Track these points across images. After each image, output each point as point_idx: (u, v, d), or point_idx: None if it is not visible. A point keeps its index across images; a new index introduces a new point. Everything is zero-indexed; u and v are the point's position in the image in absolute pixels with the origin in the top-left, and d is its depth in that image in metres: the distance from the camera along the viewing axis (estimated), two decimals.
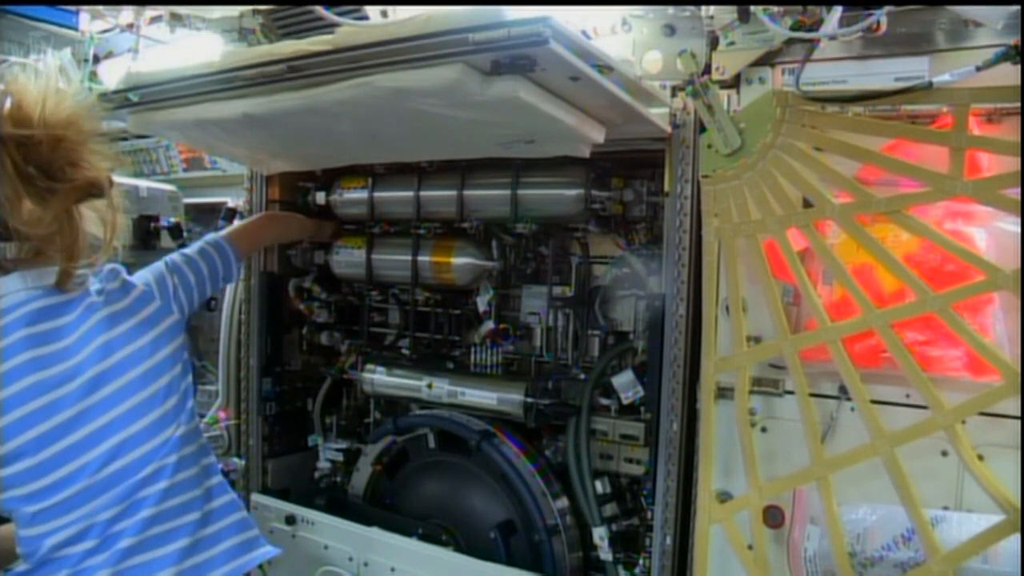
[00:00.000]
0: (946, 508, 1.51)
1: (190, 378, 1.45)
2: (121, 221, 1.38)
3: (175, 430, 1.36)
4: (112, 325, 1.33)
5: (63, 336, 1.29)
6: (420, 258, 2.39)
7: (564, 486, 2.22)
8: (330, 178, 2.57)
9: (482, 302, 2.37)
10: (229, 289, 2.72)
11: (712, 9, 1.70)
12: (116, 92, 1.88)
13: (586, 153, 1.78)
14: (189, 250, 1.68)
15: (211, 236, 1.77)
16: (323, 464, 2.67)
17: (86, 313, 1.31)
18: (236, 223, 1.98)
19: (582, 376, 2.26)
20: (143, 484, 1.31)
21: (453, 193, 2.30)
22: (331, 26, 1.78)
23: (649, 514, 1.93)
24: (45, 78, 1.29)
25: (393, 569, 2.18)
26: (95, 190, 1.29)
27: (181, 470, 1.36)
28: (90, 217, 1.33)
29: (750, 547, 1.66)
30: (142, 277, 1.48)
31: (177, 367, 1.40)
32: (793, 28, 1.55)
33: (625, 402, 2.14)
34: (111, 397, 1.30)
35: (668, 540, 1.85)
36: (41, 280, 1.29)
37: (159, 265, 1.55)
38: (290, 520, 2.39)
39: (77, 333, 1.30)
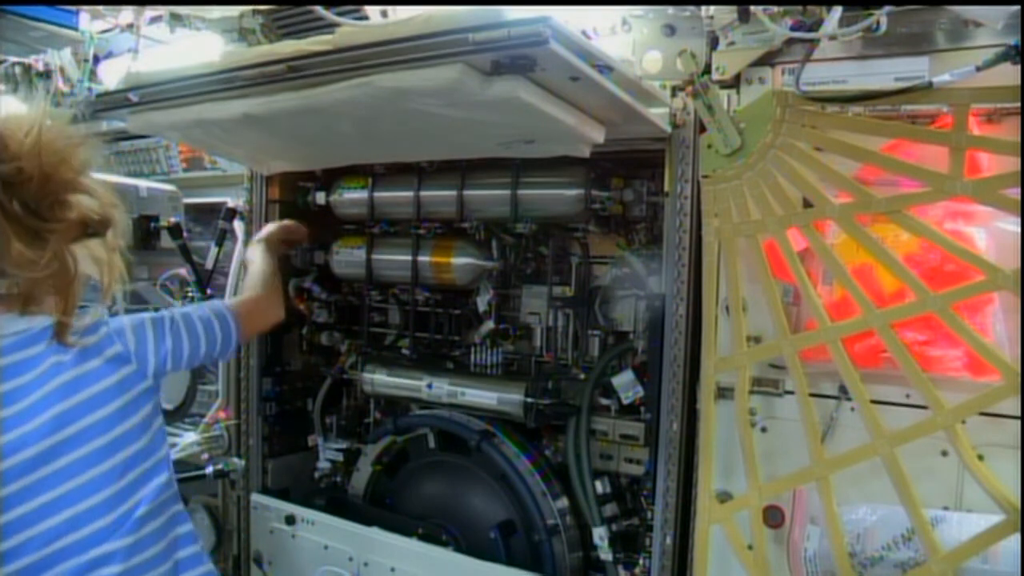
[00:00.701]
0: (946, 508, 1.51)
1: (165, 449, 1.36)
2: (119, 264, 1.31)
3: (132, 506, 1.27)
4: (75, 391, 1.23)
5: (17, 400, 1.20)
6: (420, 258, 2.39)
7: (564, 486, 2.23)
8: (330, 178, 2.57)
9: (482, 302, 2.37)
10: (229, 289, 2.71)
11: (712, 9, 1.70)
12: (116, 92, 1.88)
13: (586, 153, 1.78)
14: (193, 311, 1.54)
15: (219, 305, 1.61)
16: (323, 464, 2.67)
17: (48, 375, 1.22)
18: (244, 297, 1.79)
19: (582, 376, 2.26)
20: (92, 566, 1.22)
21: (453, 193, 2.30)
22: (331, 26, 1.78)
23: (649, 514, 1.93)
24: (36, 111, 1.22)
25: (393, 569, 2.18)
26: (90, 230, 1.23)
27: (138, 552, 1.27)
28: (86, 259, 1.25)
29: (750, 547, 1.66)
30: (123, 332, 1.35)
31: (143, 439, 1.31)
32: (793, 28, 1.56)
33: (625, 402, 2.14)
34: (64, 470, 1.21)
35: (668, 540, 1.85)
36: (13, 327, 1.21)
37: (147, 321, 1.41)
38: (290, 520, 2.40)
39: (31, 398, 1.20)
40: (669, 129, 1.78)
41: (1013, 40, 1.41)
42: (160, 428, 1.36)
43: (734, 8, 1.64)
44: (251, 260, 2.02)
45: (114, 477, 1.26)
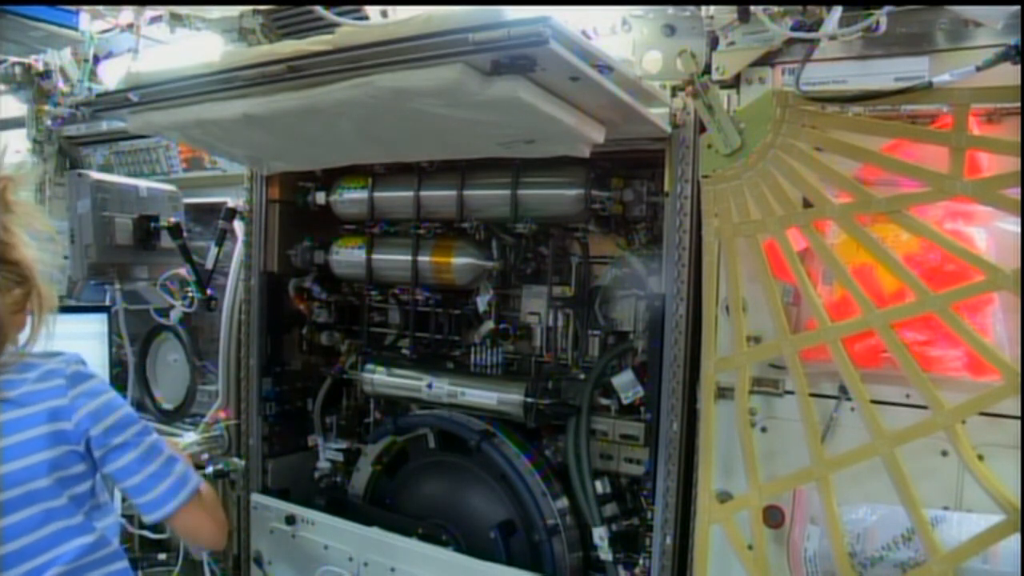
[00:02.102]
0: (946, 508, 1.50)
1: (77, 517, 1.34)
2: (47, 293, 1.32)
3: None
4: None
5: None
6: (420, 258, 2.39)
7: (564, 486, 2.23)
8: (330, 178, 2.57)
9: (482, 302, 2.37)
10: (229, 289, 2.72)
11: (712, 9, 1.70)
12: (116, 92, 1.88)
13: (586, 153, 1.78)
14: (152, 455, 1.42)
15: (191, 476, 1.47)
16: (323, 464, 2.67)
17: None
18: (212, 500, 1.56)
19: (582, 376, 2.26)
20: None
21: (453, 193, 2.29)
22: (331, 26, 1.78)
23: (649, 514, 1.93)
24: None
25: (393, 569, 2.18)
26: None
27: None
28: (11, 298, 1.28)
29: (750, 547, 1.66)
30: (82, 401, 1.33)
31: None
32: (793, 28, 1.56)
33: (625, 402, 2.14)
34: None
35: (668, 540, 1.85)
36: None
37: (111, 406, 1.38)
38: (290, 520, 2.40)
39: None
40: (669, 129, 1.78)
41: (1013, 40, 1.41)
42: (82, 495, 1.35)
43: (734, 8, 1.64)
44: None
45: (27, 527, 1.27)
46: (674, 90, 1.80)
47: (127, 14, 2.64)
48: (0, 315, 1.27)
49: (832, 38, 1.57)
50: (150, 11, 2.56)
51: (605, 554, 2.11)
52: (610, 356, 2.22)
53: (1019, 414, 1.43)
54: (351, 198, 2.50)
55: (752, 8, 1.61)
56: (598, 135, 1.71)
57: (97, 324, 2.71)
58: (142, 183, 2.70)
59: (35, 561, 1.28)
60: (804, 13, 1.57)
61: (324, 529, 2.33)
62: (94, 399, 1.35)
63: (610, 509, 2.16)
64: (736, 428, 1.69)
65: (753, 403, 1.71)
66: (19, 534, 1.27)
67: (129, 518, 2.40)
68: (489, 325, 2.38)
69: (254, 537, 2.51)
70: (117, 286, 2.64)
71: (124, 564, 1.43)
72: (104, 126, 3.09)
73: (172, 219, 2.58)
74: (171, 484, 1.43)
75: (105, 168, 3.16)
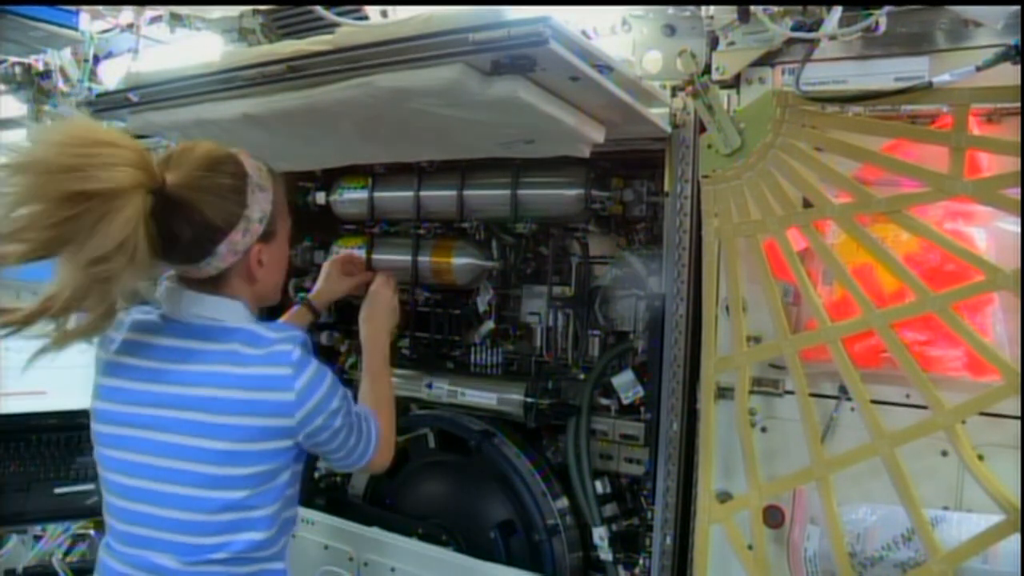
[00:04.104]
0: (946, 508, 1.50)
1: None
2: None
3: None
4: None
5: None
6: (420, 258, 2.39)
7: (564, 486, 2.22)
8: (330, 178, 2.57)
9: (482, 302, 2.37)
10: None
11: (712, 9, 1.70)
12: (116, 92, 1.88)
13: (586, 153, 1.78)
14: (362, 420, 1.55)
15: (374, 426, 1.57)
16: (323, 464, 2.67)
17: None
18: (385, 428, 1.62)
19: (582, 376, 2.26)
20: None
21: (453, 193, 2.29)
22: (331, 26, 1.78)
23: (649, 514, 1.93)
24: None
25: (393, 569, 2.18)
26: None
27: None
28: None
29: (750, 547, 1.66)
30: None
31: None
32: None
33: (625, 402, 2.14)
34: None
35: (668, 540, 1.85)
36: None
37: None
38: None
39: None
40: (669, 129, 1.78)
41: (1013, 40, 1.41)
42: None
43: (734, 8, 1.64)
44: (372, 370, 1.76)
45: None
46: (674, 90, 1.80)
47: (127, 14, 2.64)
48: None
49: (832, 38, 1.57)
50: (150, 11, 2.56)
51: (605, 554, 2.11)
52: (610, 356, 2.22)
53: (1019, 414, 1.43)
54: (351, 198, 2.50)
55: (752, 8, 1.61)
56: (598, 135, 1.71)
57: None
58: None
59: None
60: (804, 13, 1.57)
61: (324, 529, 2.33)
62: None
63: (610, 509, 2.16)
64: (736, 428, 1.69)
65: (753, 403, 1.71)
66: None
67: None
68: (489, 325, 2.38)
69: None
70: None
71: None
72: (104, 126, 3.09)
73: None
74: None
75: None
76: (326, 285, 2.08)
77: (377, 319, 1.85)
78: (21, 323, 1.22)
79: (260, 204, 1.40)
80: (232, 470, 1.34)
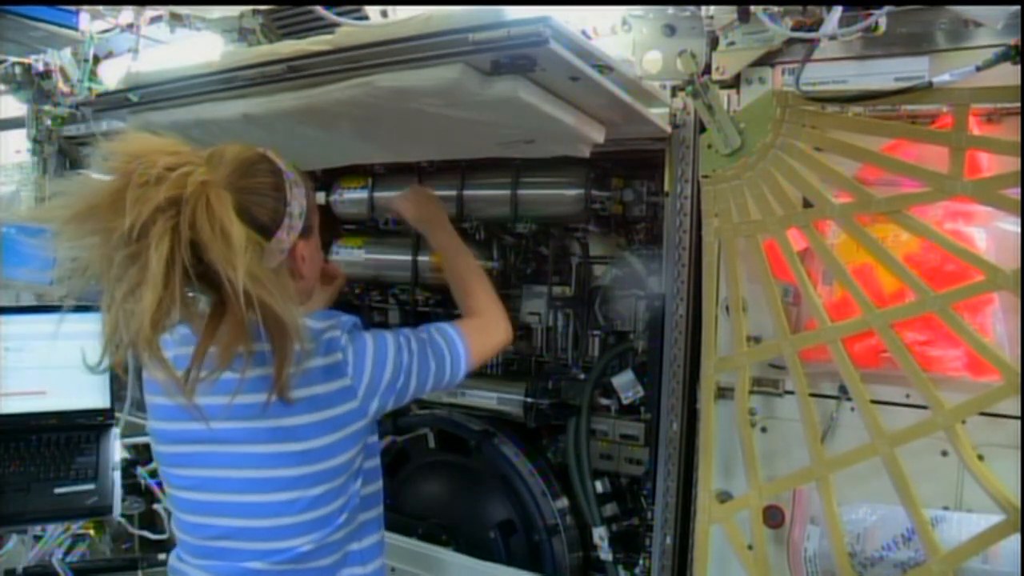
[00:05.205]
0: (946, 508, 1.51)
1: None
2: None
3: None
4: None
5: None
6: (420, 258, 2.39)
7: (564, 486, 2.22)
8: (330, 178, 2.57)
9: None
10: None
11: (712, 9, 1.70)
12: (116, 92, 1.87)
13: (586, 153, 1.78)
14: (427, 339, 1.50)
15: (451, 332, 1.52)
16: None
17: None
18: (474, 320, 1.62)
19: (582, 376, 2.26)
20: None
21: (453, 193, 2.29)
22: (331, 26, 1.78)
23: (649, 514, 1.93)
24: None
25: (393, 569, 2.18)
26: None
27: None
28: None
29: (750, 547, 1.66)
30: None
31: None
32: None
33: (625, 402, 2.14)
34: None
35: (668, 540, 1.85)
36: None
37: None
38: None
39: None
40: (669, 129, 1.78)
41: (1013, 40, 1.41)
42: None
43: (734, 8, 1.64)
44: (444, 251, 1.80)
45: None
46: (674, 90, 1.80)
47: (127, 14, 2.64)
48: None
49: (832, 38, 1.57)
50: (150, 11, 2.56)
51: (605, 554, 2.11)
52: (610, 356, 2.22)
53: (1019, 414, 1.43)
54: (351, 198, 2.50)
55: (752, 8, 1.61)
56: (598, 135, 1.71)
57: (98, 324, 2.70)
58: None
59: None
60: (804, 13, 1.57)
61: None
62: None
63: (610, 509, 2.16)
64: (736, 428, 1.69)
65: (753, 403, 1.71)
66: None
67: (129, 518, 2.40)
68: None
69: None
70: None
71: None
72: (104, 126, 3.09)
73: None
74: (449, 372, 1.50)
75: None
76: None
77: (429, 221, 1.87)
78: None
79: (298, 200, 1.38)
80: (311, 468, 1.33)
